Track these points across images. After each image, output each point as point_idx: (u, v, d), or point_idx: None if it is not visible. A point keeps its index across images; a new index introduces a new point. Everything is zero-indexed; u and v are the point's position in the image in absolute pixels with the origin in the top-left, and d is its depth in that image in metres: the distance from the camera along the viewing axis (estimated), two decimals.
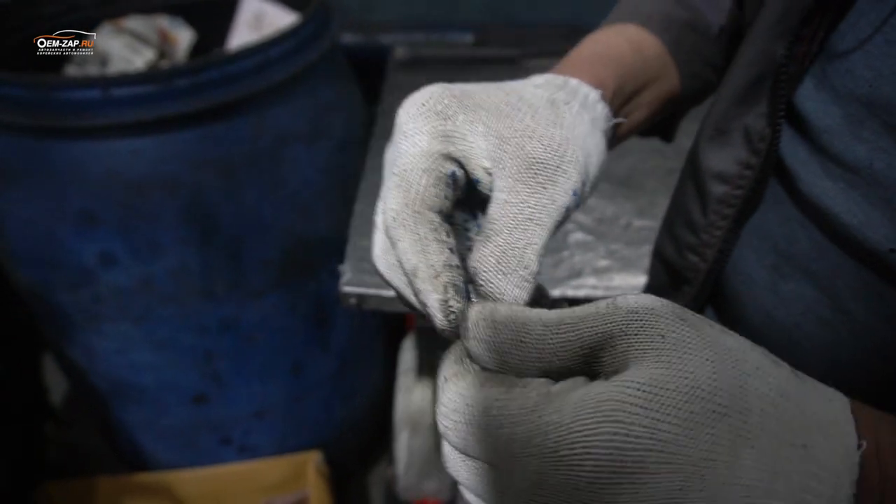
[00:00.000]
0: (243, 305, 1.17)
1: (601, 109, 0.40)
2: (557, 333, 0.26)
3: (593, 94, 0.40)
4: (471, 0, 1.55)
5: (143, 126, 0.96)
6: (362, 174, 1.05)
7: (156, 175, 1.00)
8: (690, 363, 0.24)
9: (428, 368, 1.36)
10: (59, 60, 1.31)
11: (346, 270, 0.86)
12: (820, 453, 0.24)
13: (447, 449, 0.29)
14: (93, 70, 1.33)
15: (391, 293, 0.84)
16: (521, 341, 0.27)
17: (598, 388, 0.25)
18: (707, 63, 0.55)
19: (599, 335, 0.26)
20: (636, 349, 0.25)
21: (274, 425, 1.37)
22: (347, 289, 0.84)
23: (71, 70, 1.33)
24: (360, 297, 0.84)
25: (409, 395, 1.35)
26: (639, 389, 0.24)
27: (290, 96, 1.10)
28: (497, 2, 1.55)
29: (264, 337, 1.24)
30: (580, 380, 0.26)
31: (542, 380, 0.27)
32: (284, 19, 1.24)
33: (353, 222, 0.95)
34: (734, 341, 0.26)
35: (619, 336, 0.25)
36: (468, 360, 0.30)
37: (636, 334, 0.25)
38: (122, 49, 1.35)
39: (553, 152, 0.33)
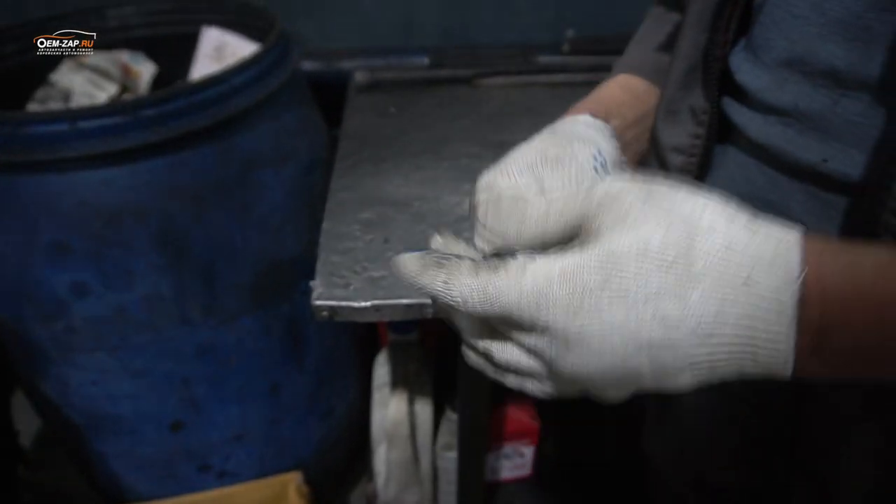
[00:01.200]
0: (218, 330, 1.19)
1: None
2: (548, 216, 0.36)
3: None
4: (426, 26, 1.60)
5: (112, 156, 0.98)
6: (328, 194, 1.09)
7: (126, 204, 1.02)
8: (644, 230, 0.32)
9: (402, 382, 1.38)
10: (21, 100, 1.33)
11: (318, 285, 0.89)
12: (763, 283, 0.30)
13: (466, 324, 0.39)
14: (56, 107, 1.35)
15: (361, 304, 0.87)
16: (522, 221, 0.37)
17: (567, 257, 0.33)
18: None
19: (578, 216, 0.35)
20: (605, 225, 0.33)
21: (252, 449, 1.38)
22: (319, 302, 0.87)
23: (33, 107, 1.35)
24: (332, 308, 0.87)
25: (384, 408, 1.38)
26: (598, 255, 0.32)
27: (254, 122, 1.14)
28: (451, 26, 1.61)
29: (240, 360, 1.26)
30: (558, 248, 0.35)
31: (521, 257, 0.35)
32: (246, 49, 1.28)
33: (321, 240, 0.98)
34: (691, 207, 0.33)
35: (593, 216, 0.34)
36: (452, 259, 0.36)
37: (605, 214, 0.33)
38: (84, 84, 1.38)
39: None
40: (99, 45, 1.40)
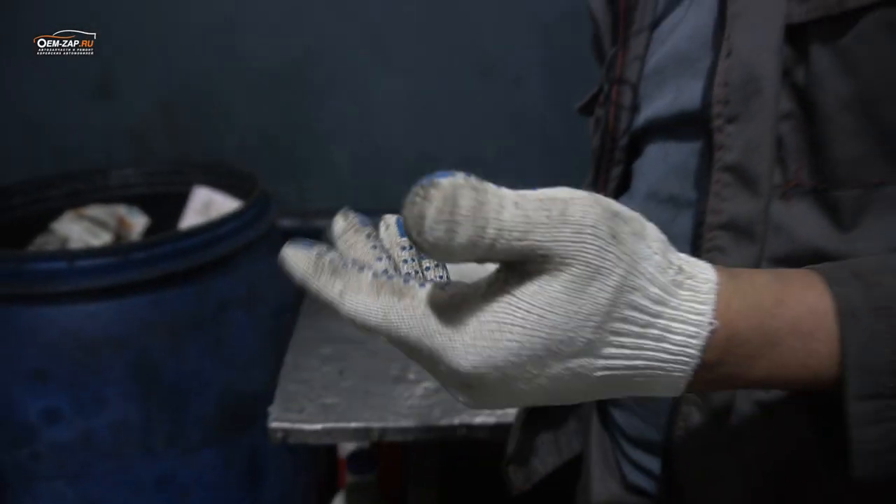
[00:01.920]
0: (181, 460, 1.24)
1: None
2: (503, 236, 0.28)
3: None
4: (392, 189, 1.82)
5: (102, 292, 1.11)
6: (294, 332, 1.20)
7: (107, 335, 1.13)
8: (589, 293, 0.29)
9: None
10: (24, 246, 1.47)
11: (275, 410, 0.99)
12: (672, 337, 0.32)
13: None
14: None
15: (313, 427, 0.96)
16: (480, 236, 0.28)
17: (492, 306, 0.30)
18: None
19: (539, 247, 0.29)
20: (558, 268, 0.29)
21: None
22: (275, 425, 0.95)
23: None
24: (286, 431, 0.95)
25: None
26: (529, 311, 0.29)
27: (232, 268, 1.28)
28: None
29: (198, 494, 1.29)
30: (484, 285, 0.31)
31: (429, 287, 0.32)
32: (230, 205, 1.46)
33: (282, 371, 1.09)
34: (647, 250, 0.31)
35: (553, 255, 0.29)
36: (350, 267, 0.33)
37: (565, 258, 0.29)
38: (81, 232, 1.53)
39: None
40: (100, 200, 1.58)
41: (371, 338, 0.35)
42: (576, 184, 0.50)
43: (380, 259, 0.39)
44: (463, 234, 0.28)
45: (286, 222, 1.68)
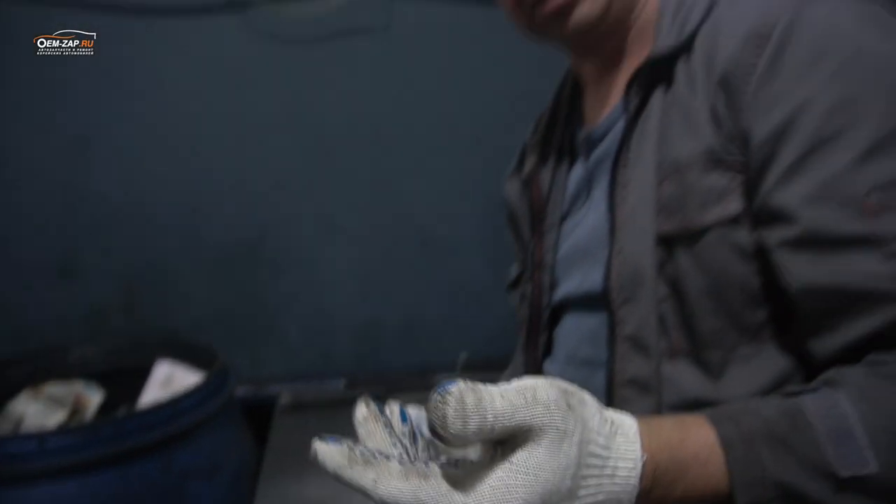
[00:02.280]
0: None
1: None
2: (499, 420, 0.39)
3: None
4: (341, 353, 1.94)
5: (69, 470, 1.15)
6: (256, 497, 1.26)
7: None
8: (563, 451, 0.41)
9: None
10: None
11: None
12: (619, 472, 0.45)
13: None
14: (5, 431, 1.51)
15: None
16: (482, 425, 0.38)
17: (497, 474, 0.40)
18: None
19: (523, 423, 0.40)
20: (538, 436, 0.40)
21: None
22: None
23: None
24: None
25: None
26: (526, 473, 0.39)
27: (193, 439, 1.34)
28: (362, 354, 1.95)
29: None
30: (486, 459, 0.41)
31: (447, 469, 0.41)
32: (191, 379, 1.53)
33: None
34: (590, 412, 0.43)
35: (533, 428, 0.40)
36: (379, 458, 0.40)
37: (542, 428, 0.40)
38: (36, 412, 1.56)
39: None
40: (58, 376, 1.63)
41: (330, 499, 0.48)
42: (509, 344, 0.65)
43: (395, 445, 0.48)
44: (473, 424, 0.38)
45: (241, 391, 1.76)
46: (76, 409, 1.61)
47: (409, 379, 1.80)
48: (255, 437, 1.59)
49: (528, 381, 0.42)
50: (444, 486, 0.39)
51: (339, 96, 1.94)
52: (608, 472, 0.44)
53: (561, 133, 0.87)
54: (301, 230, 1.94)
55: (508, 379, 0.45)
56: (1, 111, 1.78)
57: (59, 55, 1.63)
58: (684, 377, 0.65)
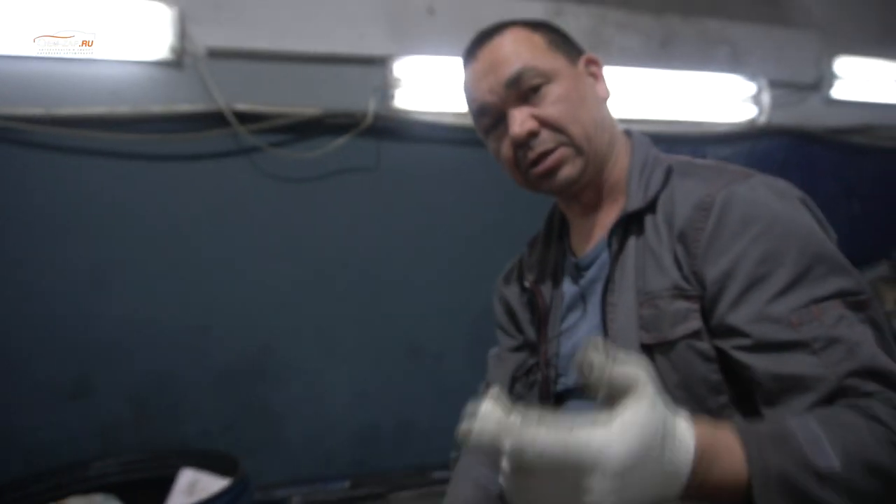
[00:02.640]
0: None
1: None
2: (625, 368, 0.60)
3: None
4: (342, 457, 2.09)
5: None
6: None
7: None
8: (658, 408, 0.58)
9: None
10: None
11: None
12: (677, 457, 0.60)
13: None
14: None
15: None
16: None
17: (610, 431, 0.55)
18: None
19: (639, 377, 0.59)
20: (643, 394, 0.58)
21: None
22: None
23: None
24: None
25: None
26: (623, 436, 0.56)
27: None
28: (363, 456, 2.11)
29: None
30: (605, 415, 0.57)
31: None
32: (215, 485, 1.67)
33: None
34: (670, 428, 0.60)
35: (640, 383, 0.59)
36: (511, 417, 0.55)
37: (647, 385, 0.59)
38: None
39: None
40: (79, 491, 1.72)
41: None
42: None
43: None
44: (603, 374, 0.59)
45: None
46: None
47: (408, 477, 1.96)
48: None
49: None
50: (584, 434, 0.54)
51: (333, 227, 2.22)
52: (678, 439, 0.62)
53: (554, 256, 1.14)
54: (301, 346, 2.14)
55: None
56: (23, 246, 1.96)
57: (79, 197, 1.88)
58: None
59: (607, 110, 1.00)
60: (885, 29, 2.96)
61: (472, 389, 2.23)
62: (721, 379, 0.83)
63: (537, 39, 0.96)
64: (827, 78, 2.82)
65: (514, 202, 1.15)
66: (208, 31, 2.13)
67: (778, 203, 0.83)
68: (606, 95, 1.00)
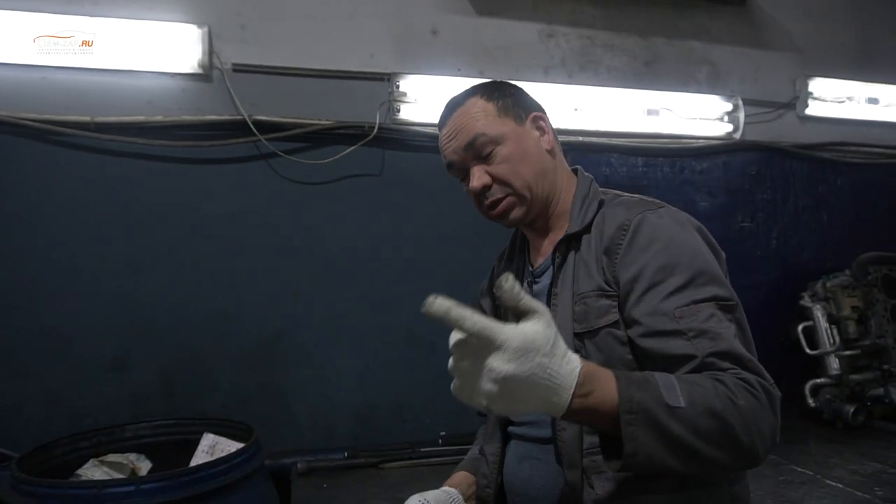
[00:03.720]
0: None
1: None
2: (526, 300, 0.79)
3: None
4: (342, 431, 2.37)
5: None
6: None
7: None
8: (550, 327, 0.79)
9: None
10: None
11: None
12: (571, 359, 0.82)
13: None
14: None
15: None
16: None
17: (514, 329, 0.77)
18: None
19: (537, 308, 0.79)
20: (540, 316, 0.78)
21: None
22: None
23: None
24: None
25: None
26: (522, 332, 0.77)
27: (241, 489, 1.74)
28: (361, 431, 2.38)
29: None
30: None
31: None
32: (232, 447, 1.94)
33: None
34: (560, 348, 0.80)
35: (539, 312, 0.79)
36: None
37: (543, 314, 0.79)
38: (102, 476, 1.93)
39: None
40: (116, 450, 2.00)
41: None
42: (478, 422, 1.16)
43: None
44: (514, 298, 0.79)
45: (267, 461, 2.15)
46: (131, 474, 1.98)
47: (399, 451, 2.23)
48: (280, 496, 1.98)
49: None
50: (500, 324, 0.77)
51: (342, 226, 2.48)
52: (566, 358, 0.82)
53: (516, 267, 1.39)
54: (311, 332, 2.41)
55: (482, 440, 0.96)
56: (70, 238, 2.24)
57: (119, 195, 2.14)
58: None
59: (551, 159, 1.24)
60: (859, 52, 3.17)
61: None
62: (633, 358, 1.07)
63: (490, 108, 1.19)
64: (802, 97, 3.03)
65: None
66: (234, 48, 2.39)
67: (676, 228, 1.09)
68: (550, 147, 1.23)
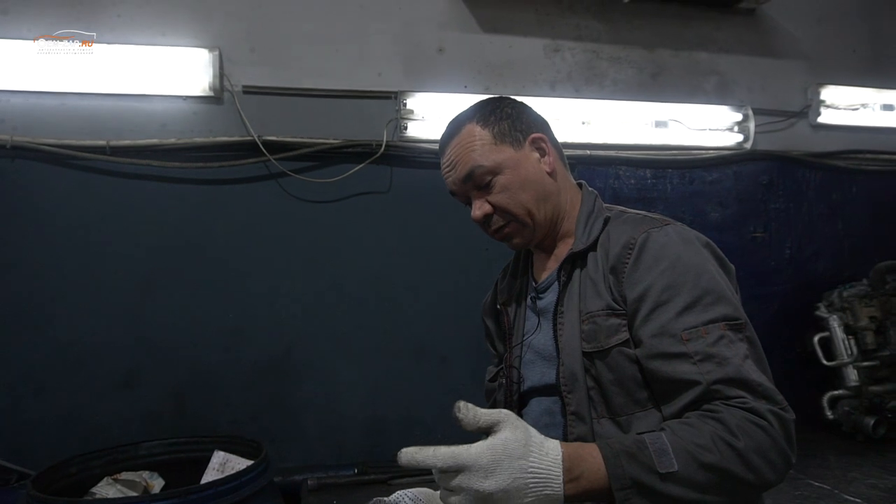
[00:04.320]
0: None
1: None
2: (484, 417, 0.85)
3: None
4: (352, 446, 2.38)
5: None
6: None
7: None
8: (518, 433, 0.85)
9: None
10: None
11: None
12: (550, 451, 0.86)
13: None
14: None
15: None
16: None
17: (488, 441, 0.84)
18: None
19: (499, 419, 0.85)
20: (504, 425, 0.85)
21: None
22: None
23: None
24: None
25: None
26: (499, 440, 0.84)
27: None
28: (371, 446, 2.39)
29: None
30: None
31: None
32: (242, 464, 1.96)
33: None
34: (535, 444, 0.85)
35: (502, 421, 0.85)
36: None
37: (507, 421, 0.85)
38: (115, 494, 1.96)
39: None
40: (129, 468, 2.04)
41: None
42: None
43: None
44: (473, 422, 0.85)
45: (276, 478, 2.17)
46: (144, 492, 2.00)
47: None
48: None
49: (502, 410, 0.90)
50: (464, 448, 0.82)
51: (350, 242, 2.51)
52: (544, 450, 0.86)
53: (520, 282, 1.39)
54: (319, 347, 2.43)
55: None
56: (87, 258, 2.29)
57: (133, 216, 2.18)
58: (607, 431, 1.10)
59: (552, 181, 1.23)
60: (872, 58, 3.13)
61: (468, 387, 2.50)
62: (644, 377, 1.06)
63: (486, 136, 1.18)
64: (814, 105, 3.00)
65: None
66: (243, 71, 2.45)
67: (681, 246, 1.08)
68: (551, 169, 1.22)
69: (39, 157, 2.26)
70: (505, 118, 1.21)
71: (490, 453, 0.82)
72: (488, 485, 0.81)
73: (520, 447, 0.84)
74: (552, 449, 0.87)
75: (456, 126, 1.22)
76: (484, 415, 0.84)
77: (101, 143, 2.29)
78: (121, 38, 2.33)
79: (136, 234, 2.33)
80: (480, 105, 1.24)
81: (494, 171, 1.18)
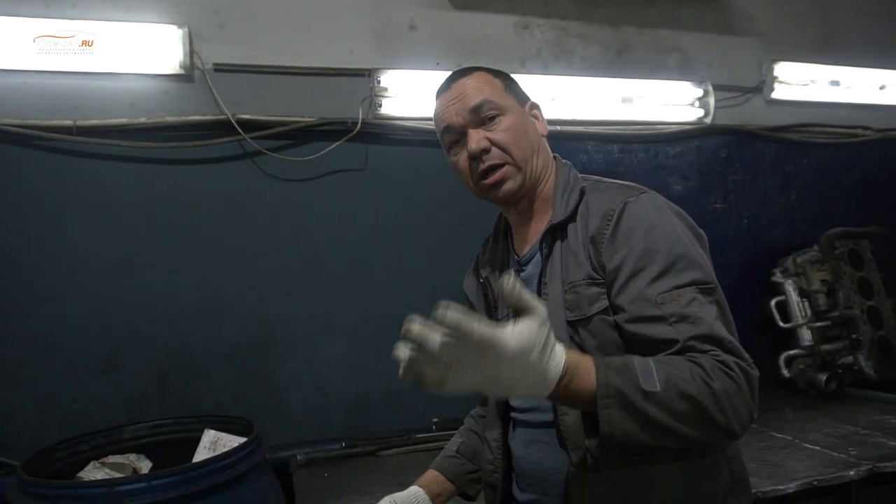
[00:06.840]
0: None
1: None
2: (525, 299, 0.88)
3: None
4: (337, 422, 2.41)
5: (169, 502, 1.57)
6: None
7: None
8: (544, 326, 0.89)
9: None
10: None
11: None
12: (557, 352, 0.92)
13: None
14: None
15: None
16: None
17: (515, 325, 0.86)
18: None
19: (530, 305, 0.88)
20: (533, 315, 0.88)
21: None
22: None
23: None
24: None
25: None
26: (529, 324, 0.87)
27: (247, 482, 1.77)
28: (355, 421, 2.43)
29: None
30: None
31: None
32: (234, 442, 1.97)
33: None
34: (549, 345, 0.91)
35: (533, 309, 0.88)
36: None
37: (538, 311, 0.88)
38: (103, 477, 1.95)
39: None
40: (116, 451, 2.02)
41: None
42: (468, 407, 1.24)
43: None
44: (518, 296, 0.88)
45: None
46: (133, 474, 2.00)
47: (394, 438, 2.28)
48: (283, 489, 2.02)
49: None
50: (500, 331, 0.83)
51: (328, 220, 2.51)
52: (553, 352, 0.91)
53: (501, 254, 1.44)
54: (301, 325, 2.45)
55: (476, 419, 1.20)
56: (59, 241, 2.24)
57: (105, 197, 2.14)
58: None
59: (544, 143, 1.31)
60: (822, 35, 3.29)
61: None
62: (623, 340, 1.13)
63: (497, 83, 1.27)
64: (768, 81, 3.14)
65: (479, 203, 1.42)
66: (214, 48, 2.40)
67: (656, 214, 1.15)
68: (545, 133, 1.30)
69: (2, 139, 2.18)
70: (513, 81, 1.31)
71: (517, 341, 0.84)
72: (504, 369, 0.84)
73: (540, 343, 0.87)
74: (559, 353, 0.92)
75: (467, 70, 1.28)
76: (526, 297, 0.88)
77: (68, 122, 2.23)
78: (83, 13, 2.26)
79: (109, 216, 2.29)
80: (488, 67, 1.30)
81: (502, 111, 1.23)
